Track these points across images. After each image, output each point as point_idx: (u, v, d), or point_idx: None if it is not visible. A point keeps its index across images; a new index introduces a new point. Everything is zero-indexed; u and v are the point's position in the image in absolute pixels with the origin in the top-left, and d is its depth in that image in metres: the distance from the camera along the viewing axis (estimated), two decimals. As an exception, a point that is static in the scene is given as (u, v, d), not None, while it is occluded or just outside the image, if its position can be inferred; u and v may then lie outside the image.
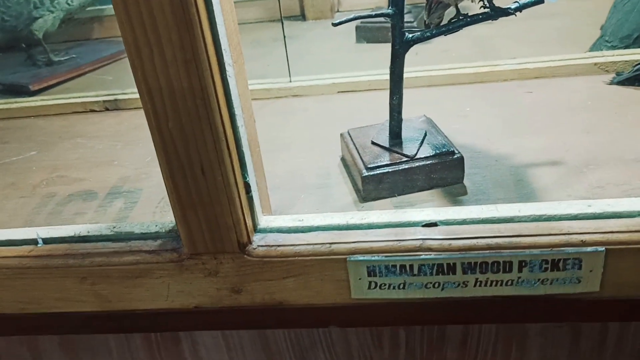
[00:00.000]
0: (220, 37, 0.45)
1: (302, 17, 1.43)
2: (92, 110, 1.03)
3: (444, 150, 0.69)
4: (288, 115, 0.94)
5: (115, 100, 1.03)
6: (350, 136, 0.76)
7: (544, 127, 0.80)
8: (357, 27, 1.22)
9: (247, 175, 0.52)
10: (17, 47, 1.25)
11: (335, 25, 0.59)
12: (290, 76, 1.02)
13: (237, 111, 0.50)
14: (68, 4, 1.20)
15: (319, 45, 1.25)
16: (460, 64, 0.97)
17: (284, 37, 1.02)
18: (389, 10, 0.62)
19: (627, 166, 0.69)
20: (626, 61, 0.89)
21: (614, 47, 0.96)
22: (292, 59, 1.04)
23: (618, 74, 0.89)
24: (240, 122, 0.50)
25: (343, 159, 0.78)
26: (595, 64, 0.91)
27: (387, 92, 0.70)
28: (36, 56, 1.25)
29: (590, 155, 0.72)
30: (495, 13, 0.63)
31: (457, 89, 0.94)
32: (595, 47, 0.98)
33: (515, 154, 0.75)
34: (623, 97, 0.85)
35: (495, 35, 1.14)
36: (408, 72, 0.90)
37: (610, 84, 0.88)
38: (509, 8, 0.63)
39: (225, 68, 0.47)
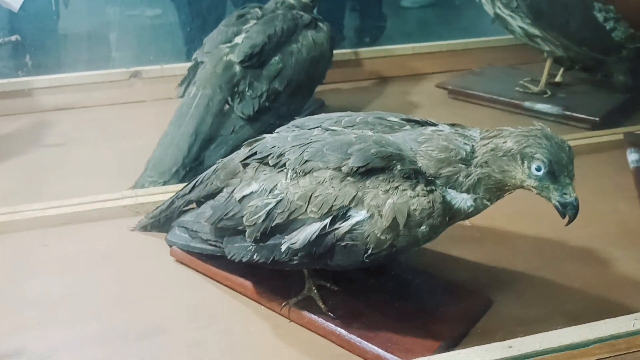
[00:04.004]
0: None
1: None
2: None
3: None
4: None
5: None
6: None
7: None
8: None
9: None
10: None
11: None
12: None
13: None
14: None
15: None
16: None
17: None
18: None
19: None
20: (154, 202, 0.84)
21: (155, 183, 0.91)
22: None
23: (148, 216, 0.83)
24: None
25: None
26: (125, 206, 0.85)
27: None
28: None
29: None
30: None
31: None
32: (138, 182, 0.92)
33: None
34: (143, 250, 0.78)
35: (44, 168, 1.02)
36: None
37: (133, 230, 0.81)
38: None
39: None
